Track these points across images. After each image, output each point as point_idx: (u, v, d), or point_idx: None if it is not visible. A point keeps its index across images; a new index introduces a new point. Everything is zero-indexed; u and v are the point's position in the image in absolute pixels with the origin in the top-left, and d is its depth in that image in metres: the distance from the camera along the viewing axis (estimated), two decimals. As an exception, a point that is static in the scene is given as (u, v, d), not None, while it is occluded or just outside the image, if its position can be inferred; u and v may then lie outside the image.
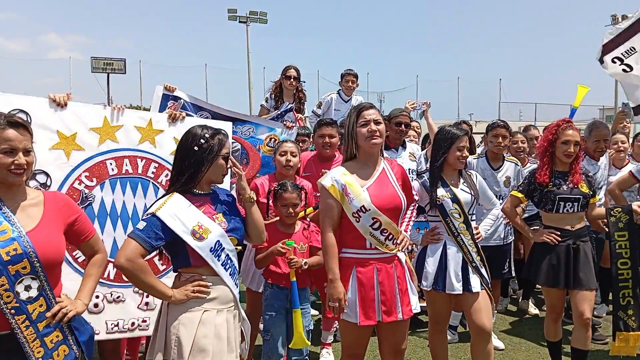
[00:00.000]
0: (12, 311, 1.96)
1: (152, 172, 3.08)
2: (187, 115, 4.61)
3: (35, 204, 2.11)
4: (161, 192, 3.04)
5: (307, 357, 3.52)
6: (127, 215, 3.01)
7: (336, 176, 2.77)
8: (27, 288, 1.99)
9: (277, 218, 3.46)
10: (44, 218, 2.09)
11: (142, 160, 3.05)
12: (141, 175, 3.06)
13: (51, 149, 2.79)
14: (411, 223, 3.06)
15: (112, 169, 2.97)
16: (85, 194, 2.86)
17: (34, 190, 2.18)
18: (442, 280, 3.24)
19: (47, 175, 2.76)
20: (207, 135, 2.44)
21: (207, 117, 4.12)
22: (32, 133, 2.12)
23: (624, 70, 4.73)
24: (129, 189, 3.02)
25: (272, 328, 3.32)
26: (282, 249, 3.23)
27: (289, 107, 4.93)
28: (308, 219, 3.57)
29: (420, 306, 4.68)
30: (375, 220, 2.72)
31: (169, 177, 2.98)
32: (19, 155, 2.01)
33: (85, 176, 2.88)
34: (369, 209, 2.71)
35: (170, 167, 2.92)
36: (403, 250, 2.86)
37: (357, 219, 2.72)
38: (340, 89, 6.24)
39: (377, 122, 2.76)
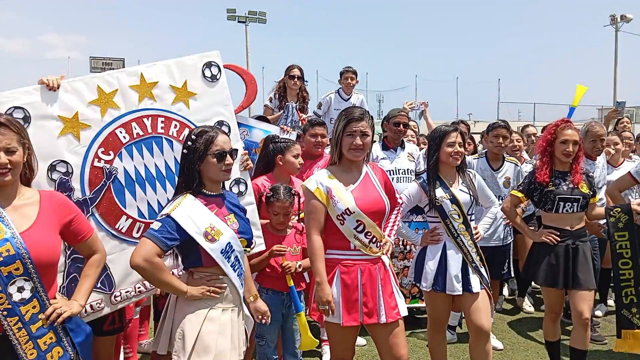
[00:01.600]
0: (5, 313, 1.94)
1: (161, 128, 3.03)
2: None
3: (30, 204, 2.09)
4: (175, 145, 3.03)
5: (301, 358, 3.51)
6: (152, 177, 2.99)
7: (321, 179, 2.77)
8: (20, 289, 1.97)
9: (268, 220, 3.43)
10: (38, 218, 2.07)
11: (148, 119, 2.99)
12: (152, 134, 3.00)
13: (60, 136, 2.71)
14: (395, 228, 3.02)
15: (124, 137, 2.91)
16: (107, 169, 2.83)
17: (29, 190, 2.15)
18: (442, 281, 3.23)
19: (66, 163, 2.71)
20: (193, 137, 2.49)
21: None
22: (20, 131, 2.07)
23: None
24: (145, 151, 2.98)
25: (267, 333, 3.29)
26: (279, 251, 3.22)
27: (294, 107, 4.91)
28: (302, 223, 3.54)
29: (420, 306, 4.74)
30: (359, 223, 2.72)
31: (178, 128, 3.05)
32: (0, 154, 1.98)
33: (102, 152, 2.83)
34: (354, 212, 2.71)
35: (175, 117, 3.04)
36: (387, 254, 2.85)
37: (342, 222, 2.72)
38: (339, 88, 6.21)
39: (364, 135, 2.74)
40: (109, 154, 2.85)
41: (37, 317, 2.01)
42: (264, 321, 2.74)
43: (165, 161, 3.01)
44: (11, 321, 1.94)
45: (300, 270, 3.29)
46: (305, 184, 2.82)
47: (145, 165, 2.97)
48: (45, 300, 2.04)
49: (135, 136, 2.93)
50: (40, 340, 2.00)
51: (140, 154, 2.96)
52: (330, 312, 2.69)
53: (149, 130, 2.98)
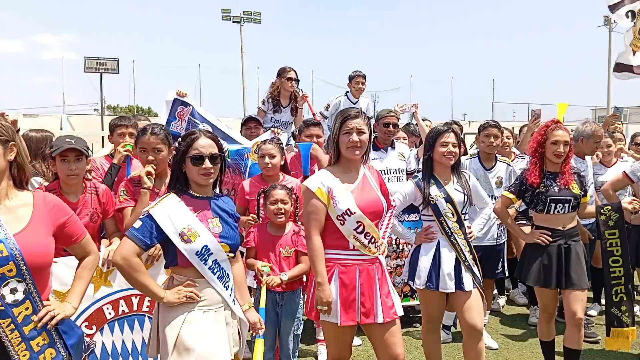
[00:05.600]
0: None
1: (147, 306, 3.10)
2: (194, 122, 4.63)
3: (23, 205, 2.07)
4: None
5: (296, 358, 3.52)
6: (127, 352, 3.06)
7: (322, 179, 2.77)
8: (13, 291, 1.96)
9: (264, 220, 3.46)
10: (32, 220, 2.05)
11: (136, 298, 3.09)
12: (137, 312, 3.09)
13: None
14: (388, 230, 3.05)
15: (110, 313, 3.02)
16: (86, 342, 2.87)
17: (23, 191, 2.13)
18: (436, 279, 3.25)
19: None
20: (180, 138, 2.55)
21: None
22: (9, 131, 2.03)
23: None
24: (126, 327, 3.08)
25: None
26: (260, 271, 3.29)
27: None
28: (300, 222, 3.55)
29: (414, 304, 4.75)
30: (359, 224, 2.73)
31: None
32: None
33: (85, 325, 2.90)
34: (354, 212, 2.72)
35: None
36: (382, 254, 2.87)
37: (342, 222, 2.73)
38: (348, 91, 6.27)
39: (360, 132, 2.75)
40: (92, 328, 2.97)
41: (30, 319, 2.00)
42: (254, 334, 2.72)
43: (142, 338, 3.09)
44: (3, 323, 1.93)
45: (285, 281, 3.31)
46: (306, 184, 2.81)
47: (123, 340, 3.08)
48: (38, 302, 2.03)
49: (120, 313, 3.04)
50: (33, 342, 1.99)
51: (121, 330, 3.07)
52: (328, 312, 2.70)
53: (135, 308, 3.08)
